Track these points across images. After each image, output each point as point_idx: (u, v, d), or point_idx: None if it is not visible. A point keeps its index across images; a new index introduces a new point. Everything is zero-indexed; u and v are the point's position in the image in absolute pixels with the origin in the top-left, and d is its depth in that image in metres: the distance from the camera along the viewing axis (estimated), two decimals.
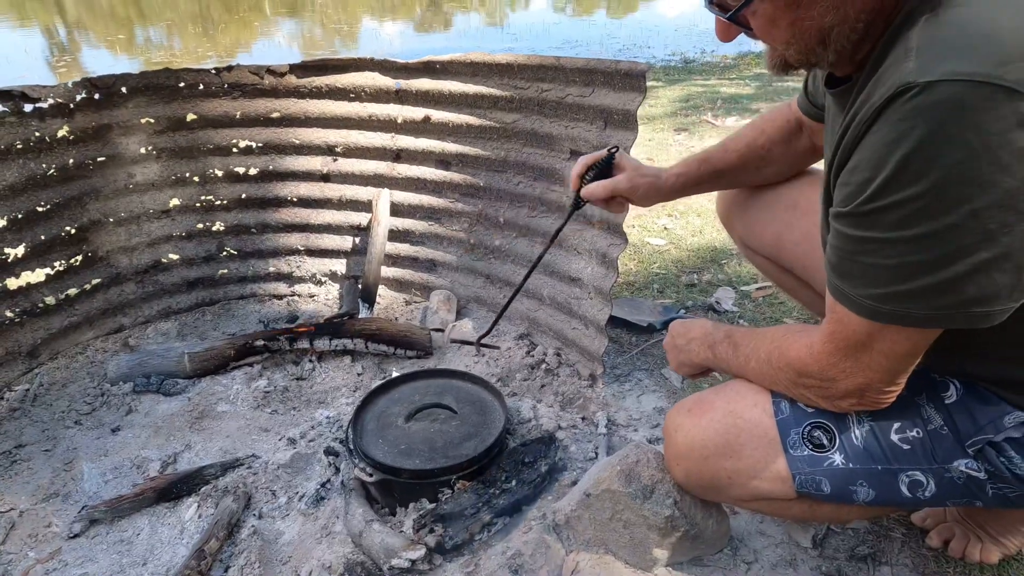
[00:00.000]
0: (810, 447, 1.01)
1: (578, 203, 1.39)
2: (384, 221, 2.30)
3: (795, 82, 5.68)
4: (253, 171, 2.35)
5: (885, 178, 0.75)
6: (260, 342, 2.00)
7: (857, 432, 0.99)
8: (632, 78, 1.64)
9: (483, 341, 1.66)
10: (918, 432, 0.96)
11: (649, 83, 1.66)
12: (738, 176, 1.44)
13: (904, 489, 0.98)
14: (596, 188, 1.35)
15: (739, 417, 1.07)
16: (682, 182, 1.41)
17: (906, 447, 0.96)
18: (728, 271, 2.49)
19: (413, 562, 1.25)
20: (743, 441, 1.06)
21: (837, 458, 1.00)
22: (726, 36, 0.92)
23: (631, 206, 1.46)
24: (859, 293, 0.84)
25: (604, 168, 1.37)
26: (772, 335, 1.04)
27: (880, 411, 0.98)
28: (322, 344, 2.01)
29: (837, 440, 1.00)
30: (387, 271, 2.40)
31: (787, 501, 1.07)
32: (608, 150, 1.38)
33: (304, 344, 2.01)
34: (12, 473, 1.67)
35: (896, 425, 0.97)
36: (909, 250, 0.77)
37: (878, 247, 0.80)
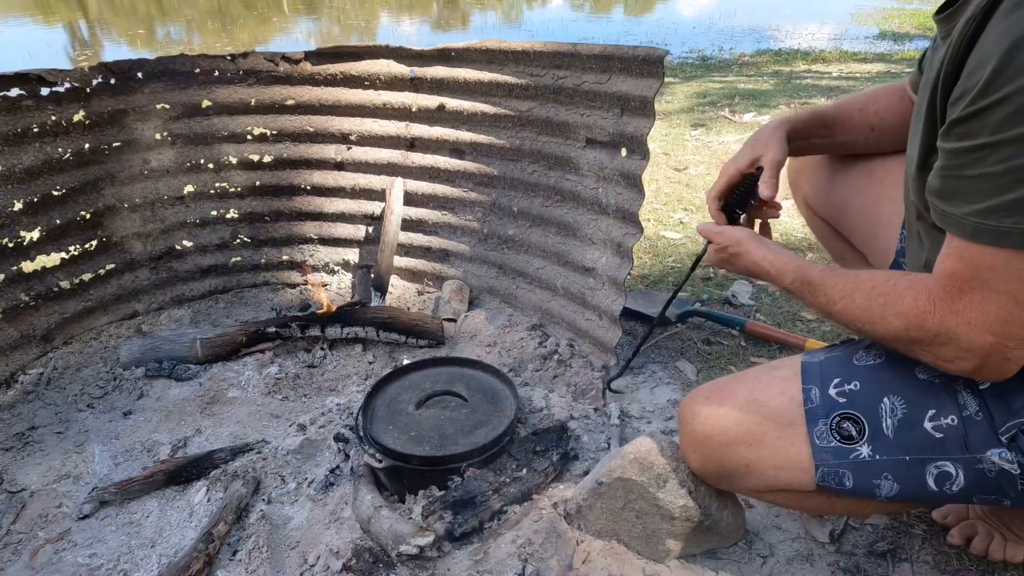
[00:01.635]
0: (838, 439, 0.98)
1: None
2: (397, 210, 2.28)
3: (813, 79, 5.61)
4: (267, 159, 2.35)
5: (992, 71, 0.70)
6: (272, 328, 2.00)
7: (888, 422, 0.96)
8: (650, 64, 1.61)
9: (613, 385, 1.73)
10: (952, 419, 0.93)
11: (666, 79, 1.64)
12: (846, 130, 1.33)
13: (931, 482, 0.94)
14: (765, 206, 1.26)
15: (762, 405, 1.04)
16: (797, 130, 1.30)
17: (938, 435, 0.93)
18: None
19: (422, 548, 1.24)
20: (765, 430, 1.03)
21: (864, 450, 0.96)
22: None
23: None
24: (964, 212, 0.77)
25: (750, 189, 1.24)
26: (871, 280, 0.94)
27: (915, 398, 0.95)
28: (333, 332, 2.00)
29: (867, 432, 0.97)
30: (400, 260, 2.39)
31: (804, 493, 1.04)
32: (755, 168, 1.23)
33: (316, 331, 2.00)
34: (25, 454, 1.68)
35: (931, 412, 0.94)
36: (1018, 151, 0.71)
37: (986, 153, 0.74)
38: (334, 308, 2.02)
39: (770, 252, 1.11)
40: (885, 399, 0.96)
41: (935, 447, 0.93)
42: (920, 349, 0.89)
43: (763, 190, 1.20)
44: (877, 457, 0.96)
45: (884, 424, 0.96)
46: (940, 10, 0.93)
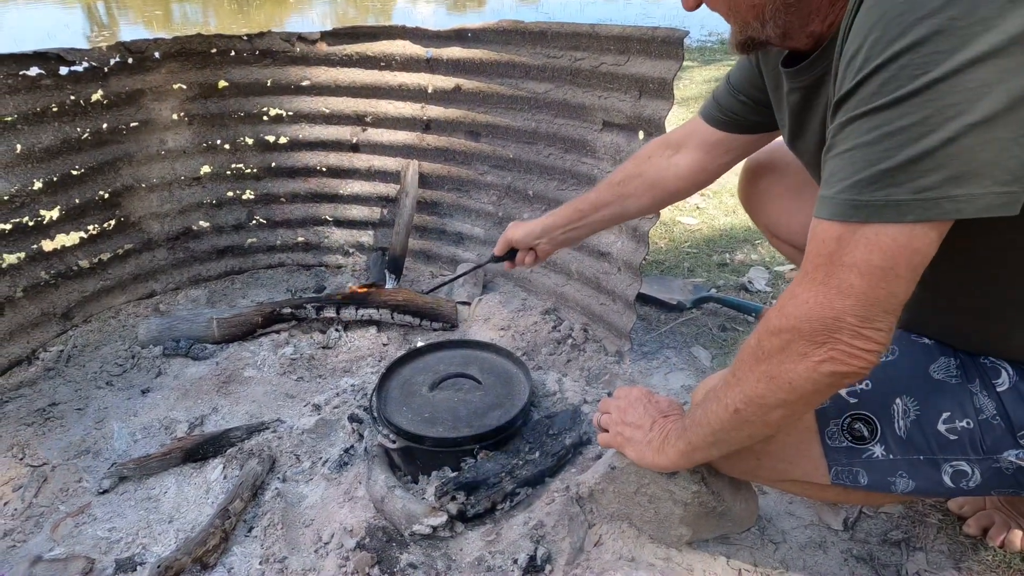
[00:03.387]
0: (849, 439, 0.96)
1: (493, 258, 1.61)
2: (412, 192, 2.28)
3: None
4: (283, 140, 2.35)
5: (865, 48, 0.69)
6: (287, 310, 2.01)
7: (901, 423, 0.94)
8: (669, 45, 1.59)
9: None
10: (968, 422, 0.90)
11: (684, 63, 1.61)
12: (604, 211, 1.45)
13: (947, 479, 0.93)
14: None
15: None
16: (553, 222, 1.49)
17: (953, 437, 0.91)
18: (762, 251, 2.43)
19: (434, 528, 1.25)
20: None
21: (877, 450, 0.95)
22: (689, 5, 0.90)
23: None
24: (837, 191, 0.73)
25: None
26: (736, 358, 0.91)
27: (929, 400, 0.92)
28: (348, 313, 2.00)
29: (879, 432, 0.94)
30: (414, 243, 2.39)
31: (819, 485, 1.03)
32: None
33: (331, 313, 2.01)
34: (46, 430, 1.70)
35: (945, 415, 0.91)
36: (889, 118, 0.68)
37: (859, 123, 0.71)
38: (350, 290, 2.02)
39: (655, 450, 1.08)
40: (898, 400, 0.94)
41: (949, 448, 0.92)
42: (775, 365, 0.82)
43: (507, 266, 1.60)
44: (891, 457, 0.94)
45: (896, 425, 0.94)
46: (787, 63, 0.94)
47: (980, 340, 0.93)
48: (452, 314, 2.04)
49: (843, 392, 0.97)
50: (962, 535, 1.27)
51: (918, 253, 0.71)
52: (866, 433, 0.95)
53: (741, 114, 1.22)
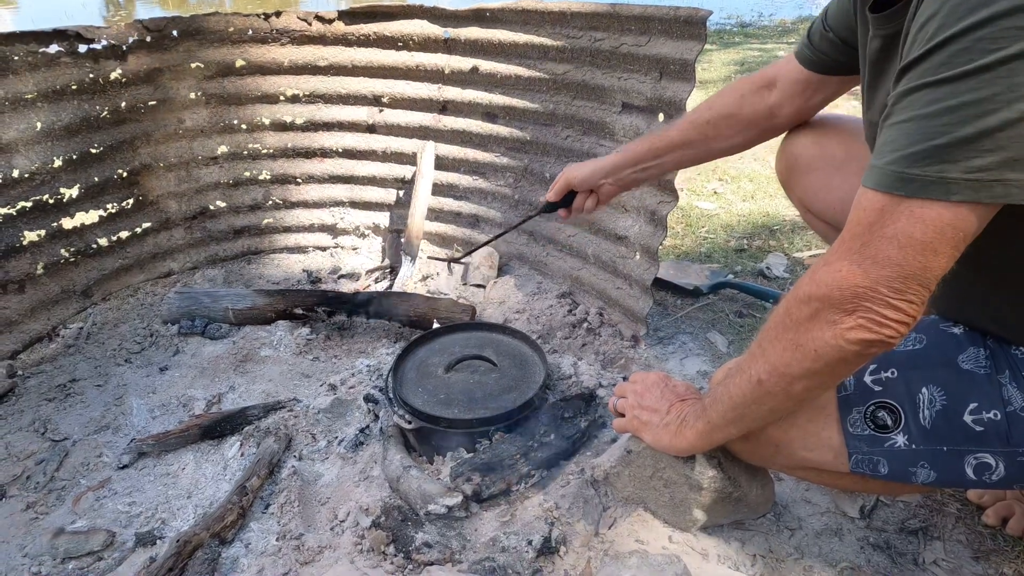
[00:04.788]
0: (872, 427, 0.95)
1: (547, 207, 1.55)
2: (428, 174, 2.27)
3: None
4: (299, 120, 2.34)
5: (940, 17, 0.67)
6: (299, 310, 1.97)
7: (926, 412, 0.92)
8: (692, 25, 1.56)
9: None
10: (995, 414, 0.89)
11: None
12: (685, 151, 1.40)
13: (969, 472, 0.92)
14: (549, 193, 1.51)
15: None
16: (622, 160, 1.43)
17: (979, 429, 0.89)
18: (780, 237, 2.40)
19: (450, 508, 1.25)
20: (796, 412, 1.01)
21: (900, 439, 0.93)
22: None
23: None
24: (887, 161, 0.71)
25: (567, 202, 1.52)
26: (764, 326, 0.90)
27: (956, 390, 0.90)
28: (359, 320, 1.96)
29: (903, 421, 0.93)
30: (430, 225, 2.39)
31: (837, 473, 1.02)
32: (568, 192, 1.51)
33: (342, 317, 1.97)
34: (67, 405, 1.73)
35: (972, 405, 0.89)
36: (954, 91, 0.66)
37: (922, 95, 0.69)
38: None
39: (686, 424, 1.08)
40: (924, 389, 0.92)
41: (975, 440, 0.90)
42: (805, 334, 0.80)
43: (561, 213, 1.54)
44: (913, 447, 0.93)
45: (921, 415, 0.92)
46: (875, 8, 0.90)
47: (1018, 324, 0.91)
48: (469, 318, 1.97)
49: (868, 380, 0.96)
50: (981, 525, 1.25)
51: (960, 231, 0.70)
52: (889, 422, 0.94)
53: (831, 54, 1.18)
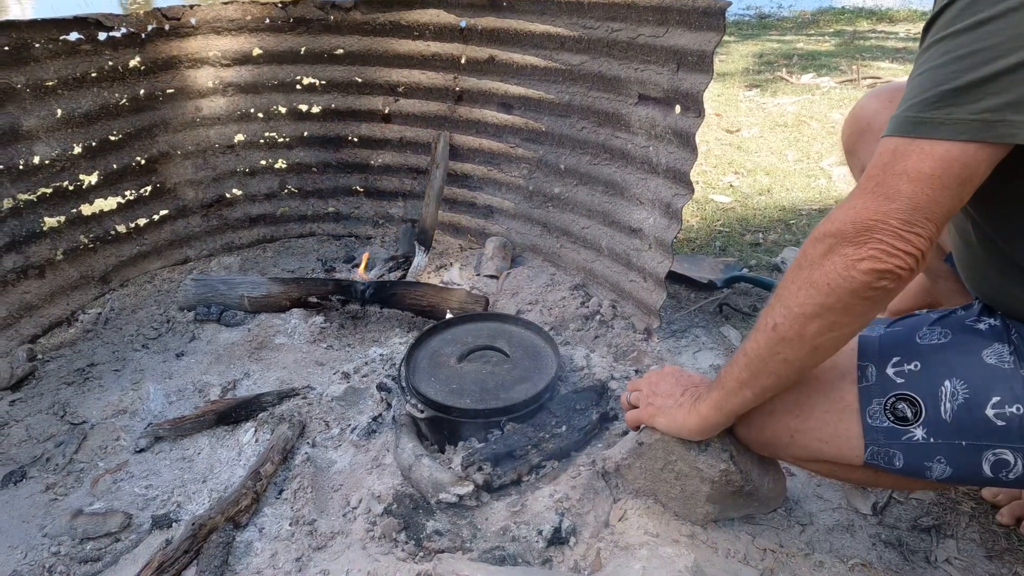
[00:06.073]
0: (891, 420, 0.94)
1: None
2: (443, 164, 2.27)
3: (878, 39, 5.33)
4: (316, 109, 2.35)
5: None
6: (313, 299, 1.99)
7: (948, 406, 0.91)
8: (710, 16, 1.54)
9: None
10: (1018, 408, 0.88)
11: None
12: None
13: (986, 468, 0.91)
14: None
15: (813, 377, 1.01)
16: None
17: (1000, 423, 0.89)
18: (796, 231, 2.38)
19: (461, 497, 1.26)
20: (815, 402, 1.00)
21: (918, 433, 0.93)
22: None
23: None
24: (903, 110, 0.79)
25: None
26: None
27: (979, 383, 0.89)
28: (372, 309, 1.97)
29: (924, 414, 0.93)
30: (444, 215, 2.39)
31: (850, 466, 1.02)
32: None
33: (355, 306, 1.99)
34: (85, 389, 1.76)
35: (995, 399, 0.89)
36: (963, 42, 0.73)
37: (936, 48, 0.76)
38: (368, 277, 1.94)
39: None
40: (947, 382, 0.92)
41: (995, 435, 0.89)
42: (821, 271, 0.83)
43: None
44: (932, 440, 0.92)
45: (943, 408, 0.92)
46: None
47: None
48: (480, 307, 1.97)
49: (891, 372, 0.96)
50: (995, 524, 1.24)
51: (968, 168, 0.75)
52: (909, 414, 0.94)
53: None
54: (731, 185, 2.80)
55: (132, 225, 2.18)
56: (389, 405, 1.56)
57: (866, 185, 0.81)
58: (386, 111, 2.34)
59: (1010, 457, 0.89)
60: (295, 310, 2.02)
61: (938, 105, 0.75)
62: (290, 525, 1.30)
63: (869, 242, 0.79)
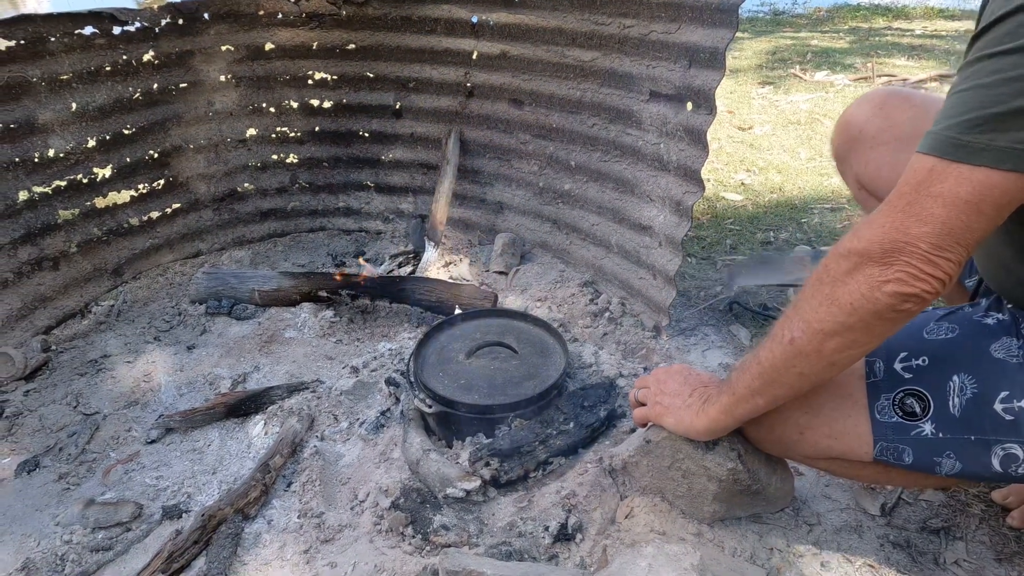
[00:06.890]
0: (900, 415, 0.94)
1: None
2: (453, 160, 2.27)
3: (893, 36, 5.28)
4: (327, 104, 2.36)
5: None
6: (323, 293, 1.99)
7: (956, 400, 0.91)
8: (723, 13, 1.53)
9: None
10: None
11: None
12: None
13: (995, 463, 0.90)
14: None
15: None
16: None
17: (1009, 418, 0.88)
18: (807, 230, 2.37)
19: (468, 492, 1.27)
20: (823, 399, 1.00)
21: (927, 427, 0.93)
22: None
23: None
24: (943, 127, 0.74)
25: None
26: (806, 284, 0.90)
27: (987, 378, 0.89)
28: (382, 304, 1.98)
29: (932, 409, 0.92)
30: (454, 211, 2.39)
31: (859, 463, 1.02)
32: None
33: (365, 301, 2.00)
34: (98, 380, 1.77)
35: (1003, 393, 0.88)
36: (1010, 64, 0.68)
37: (982, 66, 0.71)
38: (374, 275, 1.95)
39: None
40: (955, 377, 0.92)
41: (1004, 429, 0.89)
42: (845, 290, 0.80)
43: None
44: (940, 435, 0.92)
45: (951, 403, 0.91)
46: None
47: None
48: (489, 303, 1.97)
49: (899, 367, 0.95)
50: (1005, 527, 1.23)
51: (1007, 195, 0.72)
52: (918, 409, 0.93)
53: None
54: (743, 183, 2.79)
55: (145, 218, 2.20)
56: (397, 400, 1.57)
57: (896, 203, 0.77)
58: (397, 106, 2.34)
59: (1019, 451, 0.89)
60: (305, 304, 2.03)
61: (982, 129, 0.71)
62: (298, 517, 1.31)
63: (896, 264, 0.76)
